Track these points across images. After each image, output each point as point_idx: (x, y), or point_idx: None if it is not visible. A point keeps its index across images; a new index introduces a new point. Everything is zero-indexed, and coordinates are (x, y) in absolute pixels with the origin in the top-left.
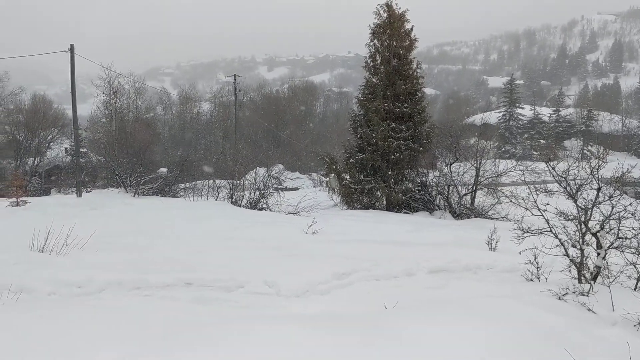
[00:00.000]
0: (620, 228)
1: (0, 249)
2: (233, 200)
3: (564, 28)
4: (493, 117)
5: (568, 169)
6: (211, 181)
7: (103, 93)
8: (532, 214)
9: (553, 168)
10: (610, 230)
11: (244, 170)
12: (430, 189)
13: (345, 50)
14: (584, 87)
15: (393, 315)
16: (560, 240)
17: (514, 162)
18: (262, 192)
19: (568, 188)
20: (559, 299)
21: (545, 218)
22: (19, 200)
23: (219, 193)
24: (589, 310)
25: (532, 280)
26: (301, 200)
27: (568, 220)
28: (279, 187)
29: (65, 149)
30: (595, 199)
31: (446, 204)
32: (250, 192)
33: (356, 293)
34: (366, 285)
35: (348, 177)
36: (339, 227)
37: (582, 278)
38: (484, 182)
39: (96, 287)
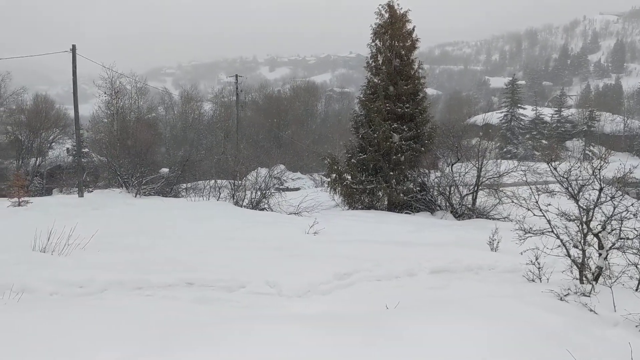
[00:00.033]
0: (622, 229)
1: (2, 249)
2: (234, 200)
3: (565, 28)
4: (495, 117)
5: (570, 169)
6: (213, 181)
7: (105, 93)
8: (534, 215)
9: (555, 168)
10: (612, 230)
11: (246, 171)
12: (431, 189)
13: (347, 50)
14: (586, 87)
15: (394, 316)
16: (561, 240)
17: (516, 162)
18: (264, 192)
19: (570, 188)
20: (561, 299)
21: (546, 218)
22: (20, 200)
23: (220, 193)
24: (591, 310)
25: (533, 280)
26: (303, 200)
27: (570, 220)
28: (281, 187)
29: (67, 149)
30: (597, 199)
31: (448, 204)
32: (251, 193)
33: (358, 293)
34: (368, 286)
35: (350, 177)
36: (340, 228)
37: (584, 278)
38: (486, 182)
39: (98, 287)
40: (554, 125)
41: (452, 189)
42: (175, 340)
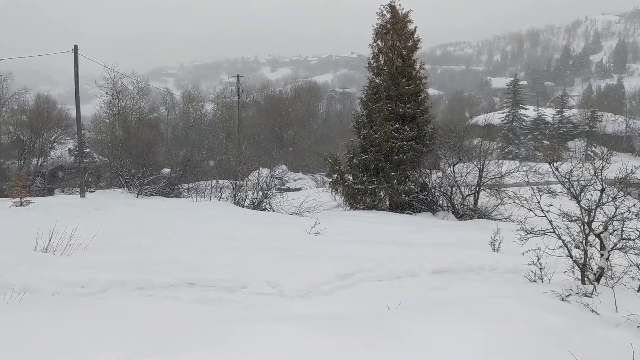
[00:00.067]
0: (624, 229)
1: (4, 249)
2: (236, 200)
3: (567, 29)
4: (496, 117)
5: (572, 169)
6: (214, 182)
7: (106, 93)
8: (536, 215)
9: (556, 169)
10: (614, 231)
11: (247, 171)
12: (433, 190)
13: (349, 50)
14: (588, 87)
15: (396, 316)
16: (563, 241)
17: (518, 162)
18: (265, 192)
19: (571, 189)
20: (562, 300)
21: (548, 219)
22: (22, 200)
23: (222, 193)
24: (592, 311)
25: (535, 281)
26: (304, 200)
27: (571, 221)
28: (282, 187)
29: (69, 149)
30: (599, 200)
31: (449, 204)
32: (253, 193)
33: (359, 294)
34: (369, 286)
35: (351, 177)
36: (342, 228)
37: (586, 279)
38: (487, 182)
39: (99, 287)
40: (556, 125)
41: (453, 189)
42: (177, 341)
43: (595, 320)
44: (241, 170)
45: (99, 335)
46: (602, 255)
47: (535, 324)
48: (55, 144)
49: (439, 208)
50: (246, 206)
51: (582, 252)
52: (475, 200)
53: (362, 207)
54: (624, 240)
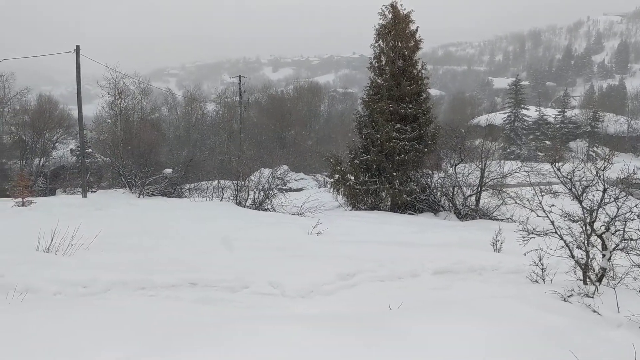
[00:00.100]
0: (626, 230)
1: (6, 249)
2: (237, 200)
3: (569, 29)
4: (498, 118)
5: (573, 170)
6: (216, 182)
7: (108, 94)
8: (537, 215)
9: (558, 169)
10: (616, 231)
11: (249, 171)
12: (435, 190)
13: (350, 51)
14: (590, 88)
15: (398, 316)
16: (565, 241)
17: (519, 163)
18: (267, 192)
19: (573, 189)
20: (564, 300)
21: (550, 219)
22: (24, 200)
23: (223, 194)
24: (594, 311)
25: (537, 281)
26: (306, 200)
27: (573, 221)
28: (284, 187)
29: (71, 149)
30: (601, 200)
31: (451, 205)
32: (254, 193)
33: (361, 294)
34: (371, 286)
35: (353, 177)
36: (343, 228)
37: (587, 280)
38: (489, 183)
39: (101, 287)
40: (558, 126)
41: (455, 189)
42: (179, 341)
43: (597, 321)
44: (243, 171)
45: (101, 335)
46: (603, 255)
47: (536, 324)
48: (57, 144)
49: (441, 208)
50: (248, 206)
51: (584, 253)
52: (477, 201)
53: (363, 207)
54: (626, 241)
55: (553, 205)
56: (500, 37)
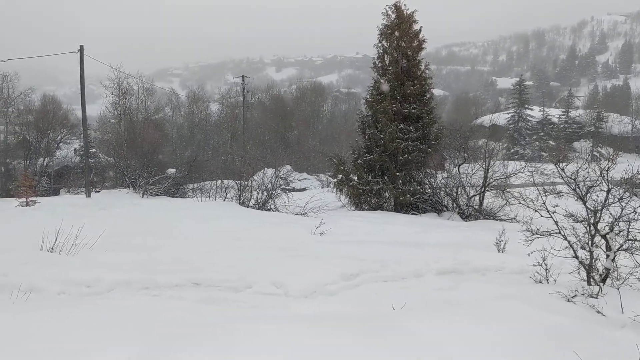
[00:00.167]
0: (630, 230)
1: (10, 249)
2: (241, 200)
3: (573, 29)
4: (502, 118)
5: (577, 170)
6: (219, 182)
7: (112, 94)
8: (541, 216)
9: (562, 169)
10: (620, 232)
11: (252, 171)
12: (438, 190)
13: (354, 51)
14: (594, 88)
15: (401, 317)
16: (569, 242)
17: (523, 163)
18: (270, 192)
19: (577, 190)
20: (568, 300)
21: (554, 220)
22: (28, 200)
23: (226, 194)
24: (598, 312)
25: (540, 282)
26: (309, 201)
27: (577, 222)
28: (287, 187)
29: (75, 149)
30: (605, 200)
31: (454, 205)
32: (258, 193)
33: (364, 294)
34: (374, 287)
35: (356, 178)
36: (346, 228)
37: (591, 280)
38: (493, 183)
39: (105, 286)
40: (562, 126)
41: (459, 189)
42: (182, 341)
43: (601, 321)
44: (246, 171)
45: (104, 334)
46: (607, 256)
47: (540, 324)
48: (61, 144)
49: (445, 209)
50: (251, 206)
51: (588, 253)
52: (481, 201)
53: (367, 207)
54: (630, 241)
55: (557, 206)
56: (504, 37)
